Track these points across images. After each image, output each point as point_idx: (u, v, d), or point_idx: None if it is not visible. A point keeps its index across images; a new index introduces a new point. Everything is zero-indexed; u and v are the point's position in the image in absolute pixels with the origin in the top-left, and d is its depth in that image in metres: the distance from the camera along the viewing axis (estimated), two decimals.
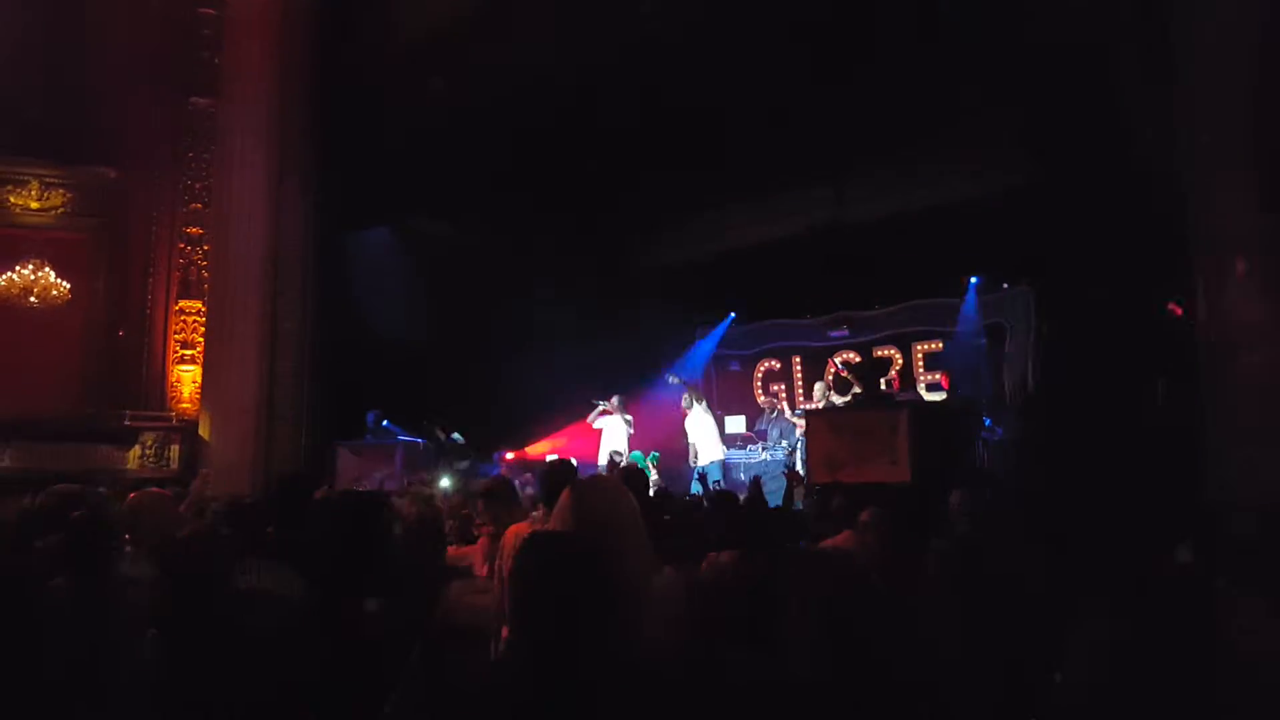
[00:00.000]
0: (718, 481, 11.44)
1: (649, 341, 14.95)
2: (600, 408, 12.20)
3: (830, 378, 13.54)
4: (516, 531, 3.70)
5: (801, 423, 11.47)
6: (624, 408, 12.15)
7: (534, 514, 4.43)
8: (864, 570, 2.53)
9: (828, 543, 4.83)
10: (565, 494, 2.36)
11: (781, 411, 12.74)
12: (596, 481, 2.55)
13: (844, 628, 2.22)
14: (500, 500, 4.55)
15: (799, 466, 11.20)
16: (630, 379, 13.45)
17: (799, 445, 11.50)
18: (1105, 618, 2.83)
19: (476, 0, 11.52)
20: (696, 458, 11.83)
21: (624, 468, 9.42)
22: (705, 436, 11.80)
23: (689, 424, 11.99)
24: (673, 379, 12.54)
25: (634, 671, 1.83)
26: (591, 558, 1.93)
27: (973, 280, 12.85)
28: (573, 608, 1.83)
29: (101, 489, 5.72)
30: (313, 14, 12.67)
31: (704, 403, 12.16)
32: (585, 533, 2.17)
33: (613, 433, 11.97)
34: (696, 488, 11.36)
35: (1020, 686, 3.11)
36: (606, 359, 13.79)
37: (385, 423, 12.75)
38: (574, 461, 4.53)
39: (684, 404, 12.09)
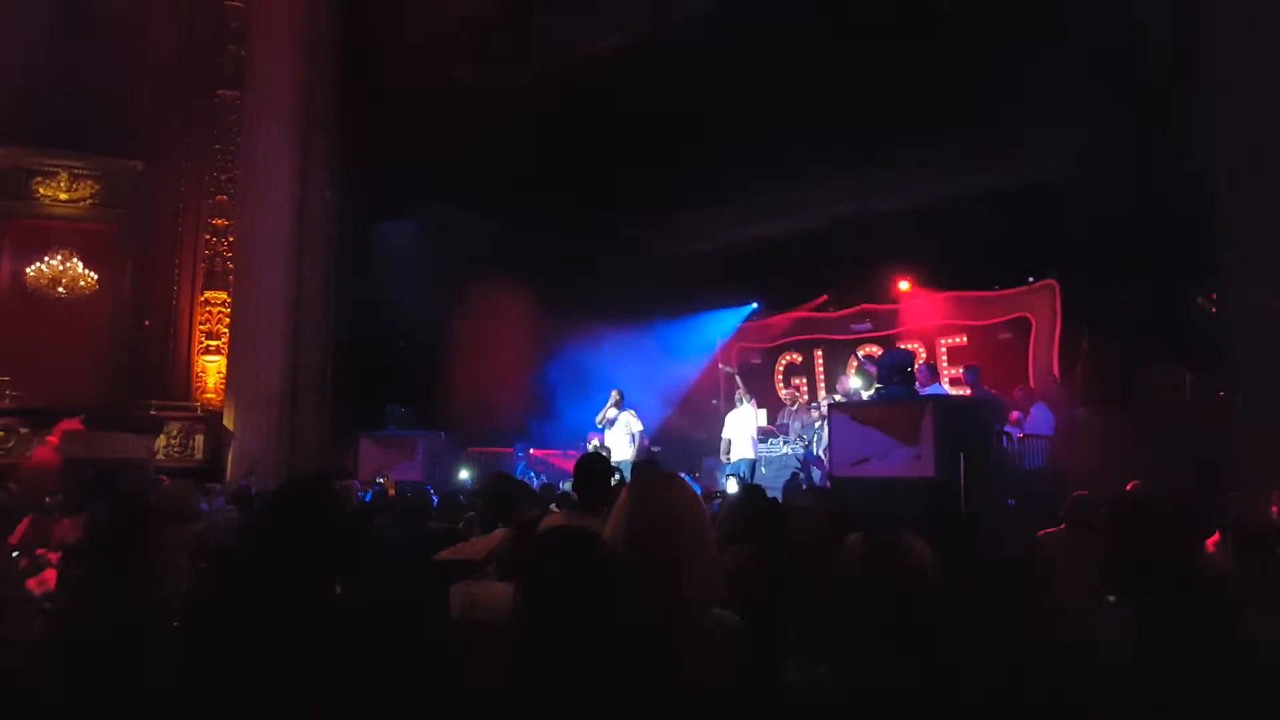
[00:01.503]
0: (741, 477, 11.39)
1: (669, 333, 14.95)
2: (609, 402, 11.99)
3: (853, 370, 13.48)
4: (548, 525, 3.70)
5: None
6: (619, 404, 11.85)
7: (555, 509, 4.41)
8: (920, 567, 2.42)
9: None
10: (625, 493, 2.10)
11: (803, 405, 12.66)
12: (662, 483, 2.16)
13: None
14: (494, 499, 4.41)
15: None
16: (651, 369, 13.44)
17: (818, 438, 11.44)
18: (1134, 615, 2.81)
19: None
20: (730, 453, 11.71)
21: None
22: (743, 434, 11.68)
23: (731, 418, 11.84)
24: (725, 368, 12.14)
25: (658, 696, 1.72)
26: (604, 561, 1.78)
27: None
28: (579, 614, 1.70)
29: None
30: (337, 7, 12.74)
31: (752, 400, 11.96)
32: (637, 541, 1.96)
33: (616, 432, 11.79)
34: (725, 484, 11.28)
35: (1046, 683, 3.08)
36: (627, 351, 13.79)
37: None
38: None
39: (737, 399, 11.92)
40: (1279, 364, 6.77)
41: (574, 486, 4.11)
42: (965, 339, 13.28)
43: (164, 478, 5.58)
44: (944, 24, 9.49)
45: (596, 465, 3.99)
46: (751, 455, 11.50)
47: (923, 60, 9.91)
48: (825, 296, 14.69)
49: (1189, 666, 2.54)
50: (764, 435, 13.05)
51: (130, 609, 3.03)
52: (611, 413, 11.82)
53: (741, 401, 11.72)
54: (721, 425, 11.94)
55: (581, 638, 1.70)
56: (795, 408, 12.58)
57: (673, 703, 1.76)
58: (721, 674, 1.87)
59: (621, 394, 11.82)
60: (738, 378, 12.14)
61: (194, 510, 4.90)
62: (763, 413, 13.59)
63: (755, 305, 15.42)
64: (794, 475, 11.31)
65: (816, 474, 11.15)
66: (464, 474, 12.84)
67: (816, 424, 11.65)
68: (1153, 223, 9.56)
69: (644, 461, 10.17)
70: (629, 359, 13.71)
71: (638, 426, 11.73)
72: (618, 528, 2.02)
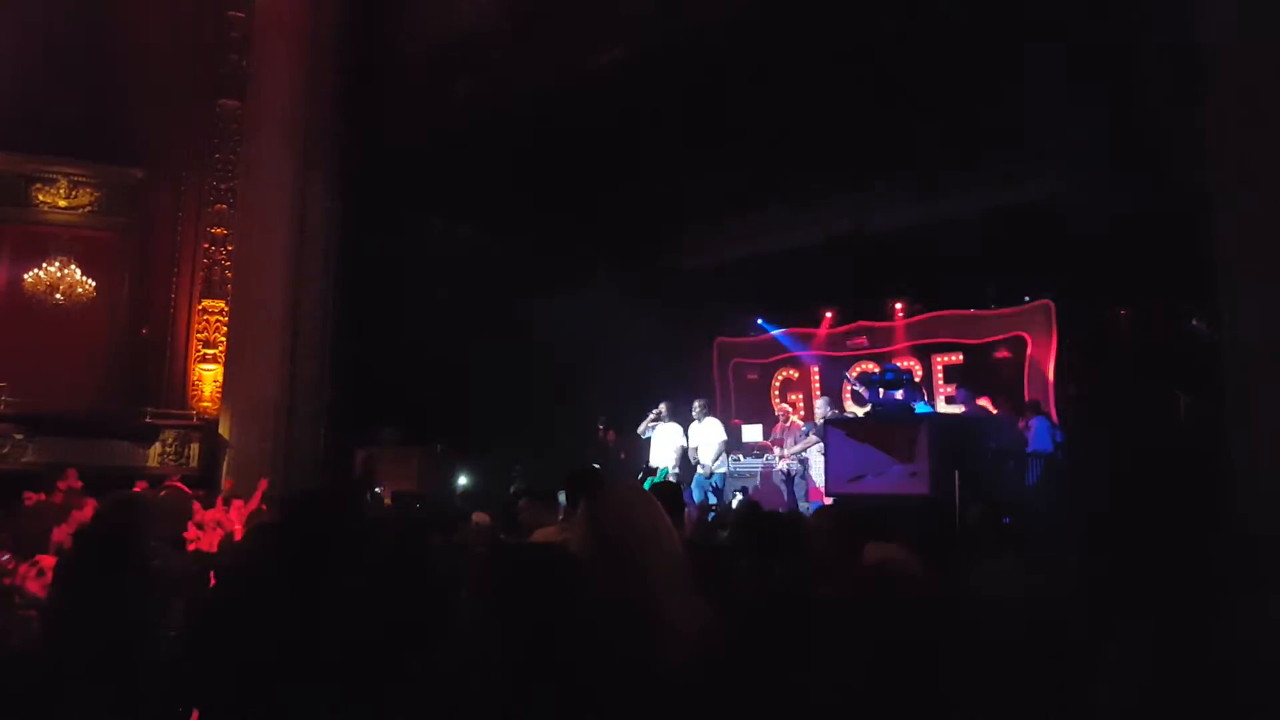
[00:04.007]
0: (718, 488, 11.39)
1: (668, 347, 14.95)
2: (651, 415, 11.98)
3: (848, 393, 13.51)
4: (544, 535, 3.72)
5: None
6: (673, 415, 11.82)
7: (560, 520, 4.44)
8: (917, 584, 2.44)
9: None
10: (583, 504, 2.29)
11: (797, 421, 12.66)
12: (618, 490, 2.37)
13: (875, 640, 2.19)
14: (539, 500, 4.70)
15: (815, 475, 11.15)
16: (649, 384, 13.44)
17: (807, 457, 11.44)
18: (1129, 638, 2.81)
19: (503, 3, 11.58)
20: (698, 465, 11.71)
21: (659, 483, 9.18)
22: (704, 444, 11.67)
23: (693, 431, 11.83)
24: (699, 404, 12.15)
25: (638, 692, 1.79)
26: (559, 574, 1.91)
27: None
28: (537, 625, 1.81)
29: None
30: (338, 17, 12.80)
31: (709, 413, 11.93)
32: (601, 545, 2.08)
33: (662, 442, 11.76)
34: (700, 496, 11.25)
35: (1038, 703, 3.08)
36: (626, 364, 13.80)
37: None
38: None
39: (695, 414, 11.90)
40: (1275, 385, 6.78)
41: (565, 498, 4.18)
42: (961, 357, 13.32)
43: (174, 483, 5.57)
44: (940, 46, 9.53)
45: (584, 477, 4.06)
46: (712, 469, 11.44)
47: (919, 81, 9.95)
48: (825, 313, 14.73)
49: (1192, 690, 2.54)
50: (760, 450, 13.07)
51: (123, 614, 3.04)
52: (651, 425, 11.82)
53: (701, 417, 11.71)
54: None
55: (542, 653, 1.79)
56: (789, 423, 12.59)
57: (650, 688, 1.83)
58: (698, 660, 1.94)
59: (667, 407, 11.81)
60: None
61: (189, 517, 4.90)
62: (758, 428, 13.60)
63: (754, 321, 15.46)
64: (744, 490, 11.33)
65: (799, 492, 11.17)
66: (462, 480, 12.84)
67: (803, 444, 11.54)
68: (1150, 243, 9.60)
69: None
70: (628, 370, 13.72)
71: (681, 441, 11.71)
72: (583, 533, 2.16)
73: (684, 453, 11.64)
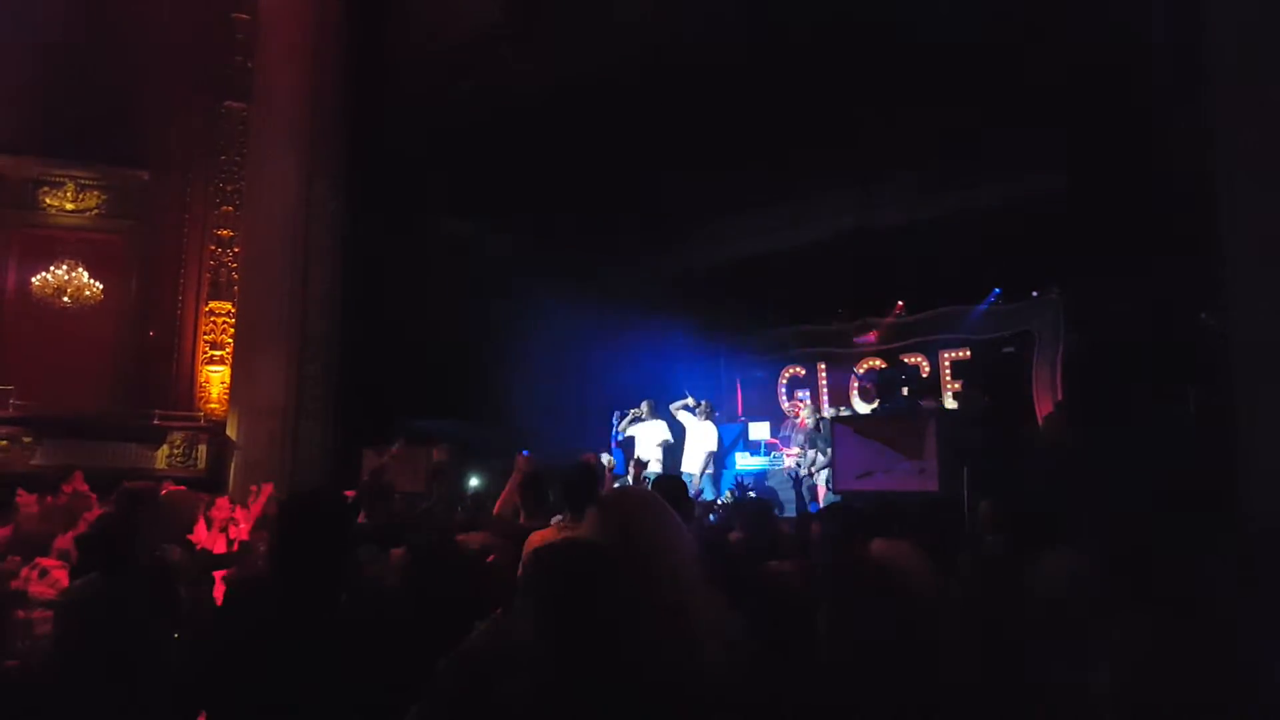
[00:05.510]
0: (699, 493, 11.31)
1: (672, 345, 14.92)
2: (630, 414, 11.99)
3: (855, 391, 13.47)
4: (541, 537, 3.69)
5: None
6: (656, 413, 11.82)
7: (557, 519, 4.42)
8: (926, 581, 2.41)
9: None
10: (593, 508, 2.22)
11: (805, 418, 12.63)
12: (626, 493, 2.37)
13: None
14: (534, 490, 4.73)
15: (823, 473, 11.11)
16: (653, 383, 13.43)
17: (819, 451, 11.39)
18: (1137, 632, 2.78)
19: (506, 3, 11.58)
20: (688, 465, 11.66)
21: (662, 477, 9.16)
22: (695, 446, 11.60)
23: (690, 429, 11.78)
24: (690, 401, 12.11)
25: (658, 694, 1.78)
26: (604, 571, 1.88)
27: (995, 290, 12.77)
28: (589, 624, 1.79)
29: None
30: (344, 18, 12.81)
31: (709, 417, 11.86)
32: (612, 548, 2.05)
33: (645, 440, 11.75)
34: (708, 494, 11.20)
35: (1045, 697, 3.05)
36: (630, 363, 13.78)
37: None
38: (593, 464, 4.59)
39: (700, 414, 11.84)
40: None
41: (564, 498, 4.12)
42: (968, 352, 13.26)
43: (169, 484, 5.58)
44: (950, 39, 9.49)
45: (581, 476, 4.03)
46: (695, 470, 11.36)
47: (924, 73, 9.92)
48: (828, 310, 14.69)
49: (1190, 685, 2.52)
50: (766, 448, 13.04)
51: (129, 615, 3.03)
52: (633, 425, 11.76)
53: (700, 416, 11.66)
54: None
55: (592, 653, 1.76)
56: (797, 420, 12.55)
57: (664, 690, 1.80)
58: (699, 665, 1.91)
59: (648, 406, 11.76)
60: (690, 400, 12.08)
61: (195, 518, 4.90)
62: (765, 425, 13.57)
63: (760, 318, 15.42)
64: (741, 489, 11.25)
65: (806, 492, 11.11)
66: (473, 481, 12.82)
67: (822, 464, 11.46)
68: (1157, 237, 9.54)
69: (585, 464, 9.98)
70: (632, 370, 13.70)
71: (662, 423, 11.66)
72: (591, 536, 2.11)
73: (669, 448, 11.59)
